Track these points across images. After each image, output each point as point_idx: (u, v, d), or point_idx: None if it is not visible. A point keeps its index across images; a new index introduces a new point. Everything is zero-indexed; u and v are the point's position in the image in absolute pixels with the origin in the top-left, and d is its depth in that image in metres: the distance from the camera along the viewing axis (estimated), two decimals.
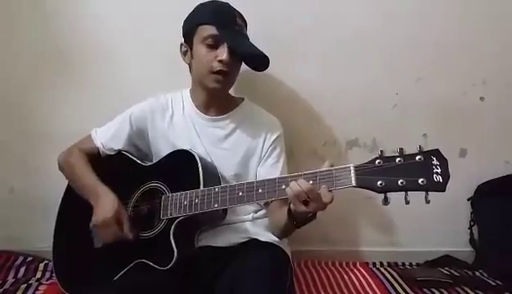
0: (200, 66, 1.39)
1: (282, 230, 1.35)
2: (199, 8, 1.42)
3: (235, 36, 1.37)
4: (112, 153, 1.49)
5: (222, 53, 1.33)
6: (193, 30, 1.39)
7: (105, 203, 1.32)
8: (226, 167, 1.43)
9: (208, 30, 1.35)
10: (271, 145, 1.47)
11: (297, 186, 1.09)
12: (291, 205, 1.16)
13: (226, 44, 1.34)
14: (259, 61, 1.40)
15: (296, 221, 1.22)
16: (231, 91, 1.54)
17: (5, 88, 1.78)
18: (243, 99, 1.55)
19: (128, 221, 1.31)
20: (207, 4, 1.43)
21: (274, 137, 1.48)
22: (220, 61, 1.34)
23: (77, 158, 1.47)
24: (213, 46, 1.35)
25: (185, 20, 1.44)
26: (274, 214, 1.38)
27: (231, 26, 1.37)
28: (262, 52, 1.38)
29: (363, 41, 1.77)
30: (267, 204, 1.43)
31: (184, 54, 1.45)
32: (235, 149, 1.46)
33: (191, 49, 1.41)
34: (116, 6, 1.73)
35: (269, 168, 1.45)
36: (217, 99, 1.46)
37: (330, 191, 1.09)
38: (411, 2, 1.76)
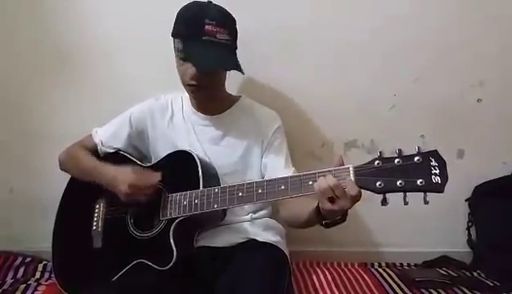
0: (179, 77, 1.41)
1: (306, 222, 1.26)
2: (177, 15, 1.39)
3: (199, 50, 1.32)
4: (111, 151, 1.50)
5: (190, 68, 1.33)
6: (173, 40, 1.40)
7: (120, 173, 1.33)
8: (227, 164, 1.44)
9: (177, 44, 1.36)
10: (271, 137, 1.48)
11: (324, 182, 1.05)
12: (319, 203, 1.11)
13: None
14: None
15: (325, 221, 1.15)
16: (230, 90, 1.55)
17: (4, 88, 1.78)
18: (240, 96, 1.56)
19: (147, 175, 1.33)
20: (182, 10, 1.39)
21: (273, 129, 1.49)
22: (190, 76, 1.34)
23: (78, 149, 1.50)
24: (184, 59, 1.35)
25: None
26: (293, 205, 1.31)
27: (197, 37, 1.31)
28: (227, 63, 1.36)
29: (361, 42, 1.77)
30: None
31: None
32: (235, 146, 1.47)
33: None
34: (115, 6, 1.73)
35: (273, 157, 1.47)
36: (209, 102, 1.47)
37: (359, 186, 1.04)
38: (409, 3, 1.76)
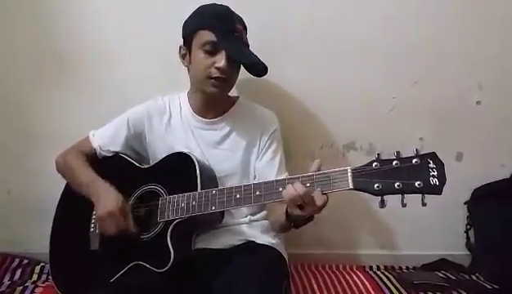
0: (198, 71, 1.38)
1: (281, 227, 1.34)
2: (199, 12, 1.41)
3: (234, 43, 1.35)
4: (109, 155, 1.49)
5: (220, 60, 1.33)
6: (192, 34, 1.38)
7: (108, 197, 1.31)
8: (227, 168, 1.44)
9: (207, 36, 1.34)
10: (267, 141, 1.48)
11: (292, 190, 1.09)
12: (288, 208, 1.16)
13: (224, 51, 1.33)
14: (257, 69, 1.40)
15: (294, 223, 1.23)
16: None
17: (3, 89, 1.78)
18: (238, 97, 1.56)
19: (130, 215, 1.31)
20: (207, 8, 1.42)
21: (270, 132, 1.48)
22: (217, 68, 1.34)
23: (75, 157, 1.48)
24: (212, 52, 1.34)
25: (184, 23, 1.43)
26: (274, 210, 1.38)
27: (230, 32, 1.35)
28: (259, 61, 1.38)
29: (361, 44, 1.77)
30: None
31: (183, 57, 1.45)
32: (235, 149, 1.47)
33: (190, 53, 1.40)
34: (114, 7, 1.73)
35: (265, 165, 1.46)
36: (214, 102, 1.46)
37: (324, 194, 1.08)
38: (409, 6, 1.76)
